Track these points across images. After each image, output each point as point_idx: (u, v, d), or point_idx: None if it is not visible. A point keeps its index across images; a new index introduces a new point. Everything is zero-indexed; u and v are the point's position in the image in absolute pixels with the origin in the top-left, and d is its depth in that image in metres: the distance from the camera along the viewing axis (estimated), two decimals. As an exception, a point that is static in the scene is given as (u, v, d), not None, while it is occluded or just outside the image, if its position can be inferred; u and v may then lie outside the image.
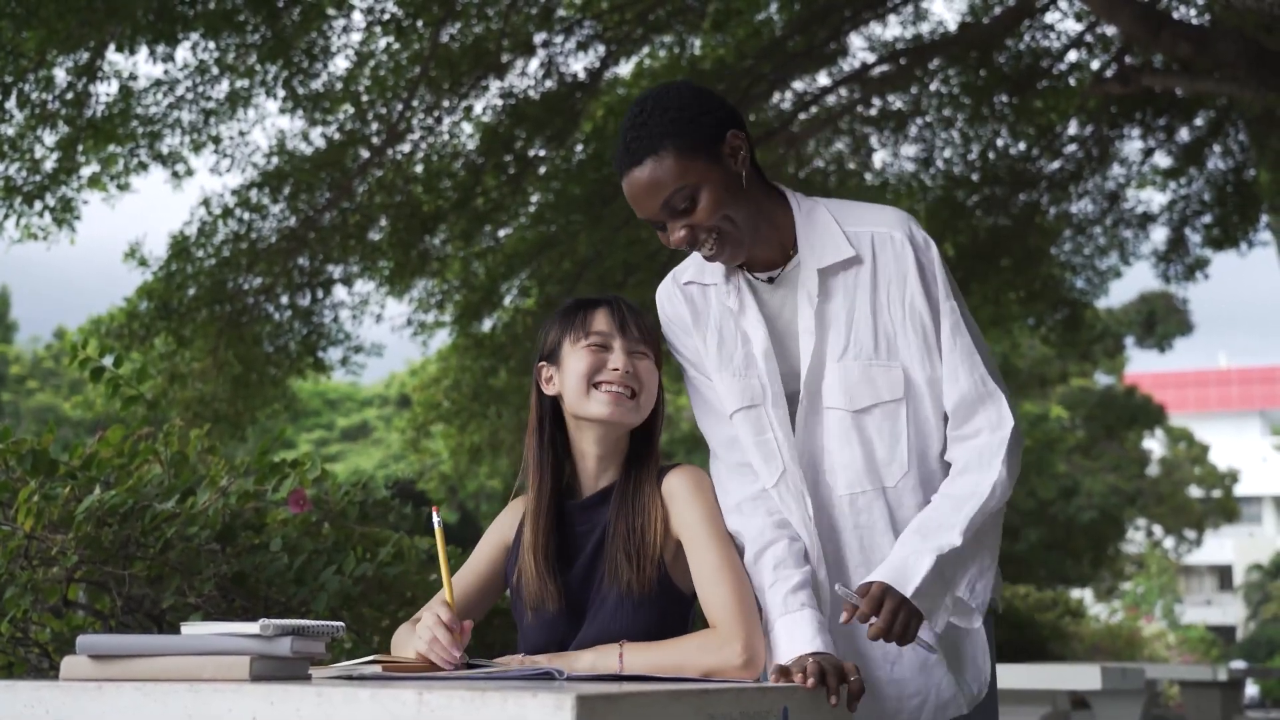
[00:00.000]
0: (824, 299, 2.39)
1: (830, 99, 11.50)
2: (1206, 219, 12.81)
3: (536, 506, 2.47)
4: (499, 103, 10.65)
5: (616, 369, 2.39)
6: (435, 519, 2.33)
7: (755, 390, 2.45)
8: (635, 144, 2.31)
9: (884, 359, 2.37)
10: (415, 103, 10.32)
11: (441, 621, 2.25)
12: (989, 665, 2.47)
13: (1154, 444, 30.18)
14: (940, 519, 2.26)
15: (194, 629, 1.92)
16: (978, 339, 2.37)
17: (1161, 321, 23.68)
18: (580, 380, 2.41)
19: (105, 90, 9.52)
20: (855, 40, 11.32)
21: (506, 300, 11.85)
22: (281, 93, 10.01)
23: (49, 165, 9.54)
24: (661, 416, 2.49)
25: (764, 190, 2.42)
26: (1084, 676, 6.07)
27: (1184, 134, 12.40)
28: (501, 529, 2.55)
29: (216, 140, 10.30)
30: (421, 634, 2.26)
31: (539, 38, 10.41)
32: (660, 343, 2.50)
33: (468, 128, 10.92)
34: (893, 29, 11.58)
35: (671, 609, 2.37)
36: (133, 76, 9.62)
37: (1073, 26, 11.60)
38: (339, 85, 10.24)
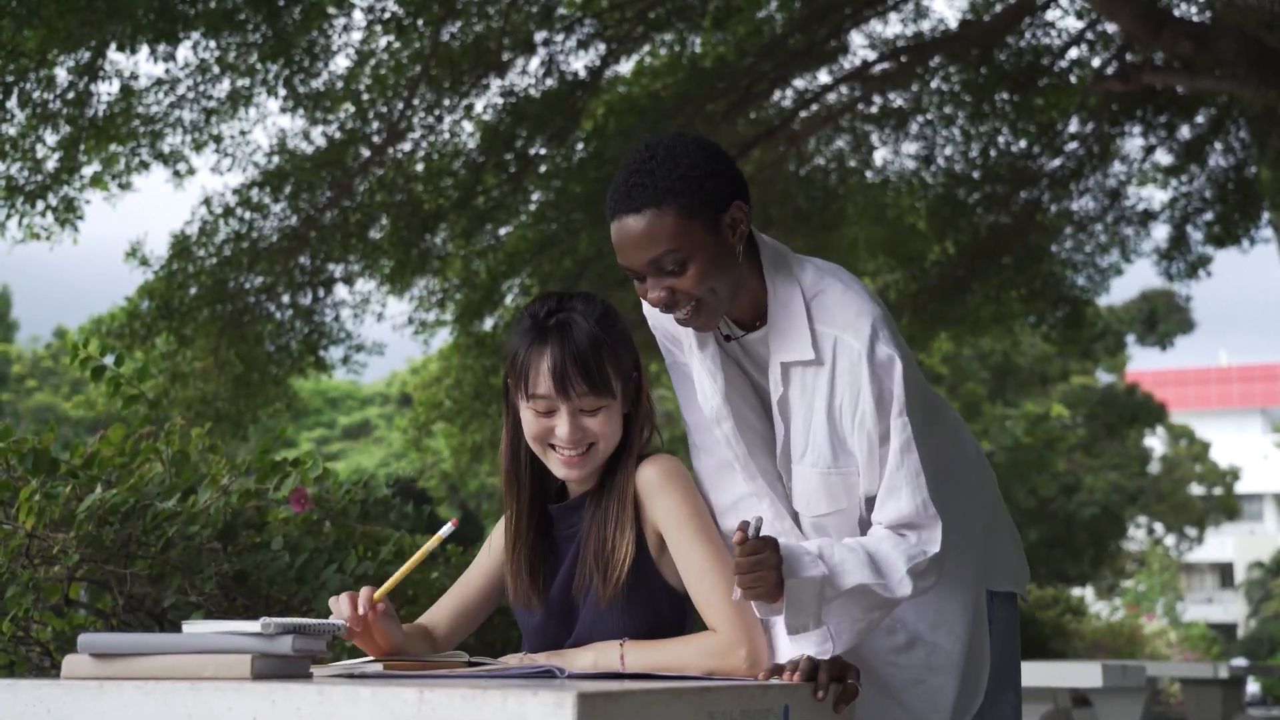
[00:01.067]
0: (785, 387, 2.34)
1: (831, 96, 11.50)
2: (1208, 216, 12.80)
3: (517, 516, 2.44)
4: (499, 101, 10.66)
5: (564, 439, 2.31)
6: (447, 529, 2.30)
7: (717, 407, 2.44)
8: (637, 191, 2.21)
9: (841, 466, 2.32)
10: (416, 101, 10.33)
11: (349, 597, 2.27)
12: (986, 675, 2.46)
13: (1155, 442, 30.18)
14: (843, 562, 2.17)
15: (195, 627, 1.92)
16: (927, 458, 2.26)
17: (1163, 320, 23.70)
18: (534, 441, 2.35)
19: (106, 89, 9.53)
20: (856, 38, 11.33)
21: (508, 299, 11.84)
22: (282, 92, 10.01)
23: (51, 165, 9.55)
24: (643, 420, 2.42)
25: (751, 260, 2.34)
26: (1085, 674, 6.07)
27: (1185, 131, 12.40)
28: (499, 537, 2.54)
29: (218, 139, 10.31)
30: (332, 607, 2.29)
31: (539, 36, 10.41)
32: (620, 368, 2.36)
33: (468, 126, 10.93)
34: (893, 26, 11.61)
35: (664, 606, 2.33)
36: (134, 76, 9.62)
37: (1073, 24, 11.61)
38: (340, 84, 10.24)
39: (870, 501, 2.31)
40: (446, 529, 2.30)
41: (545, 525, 2.45)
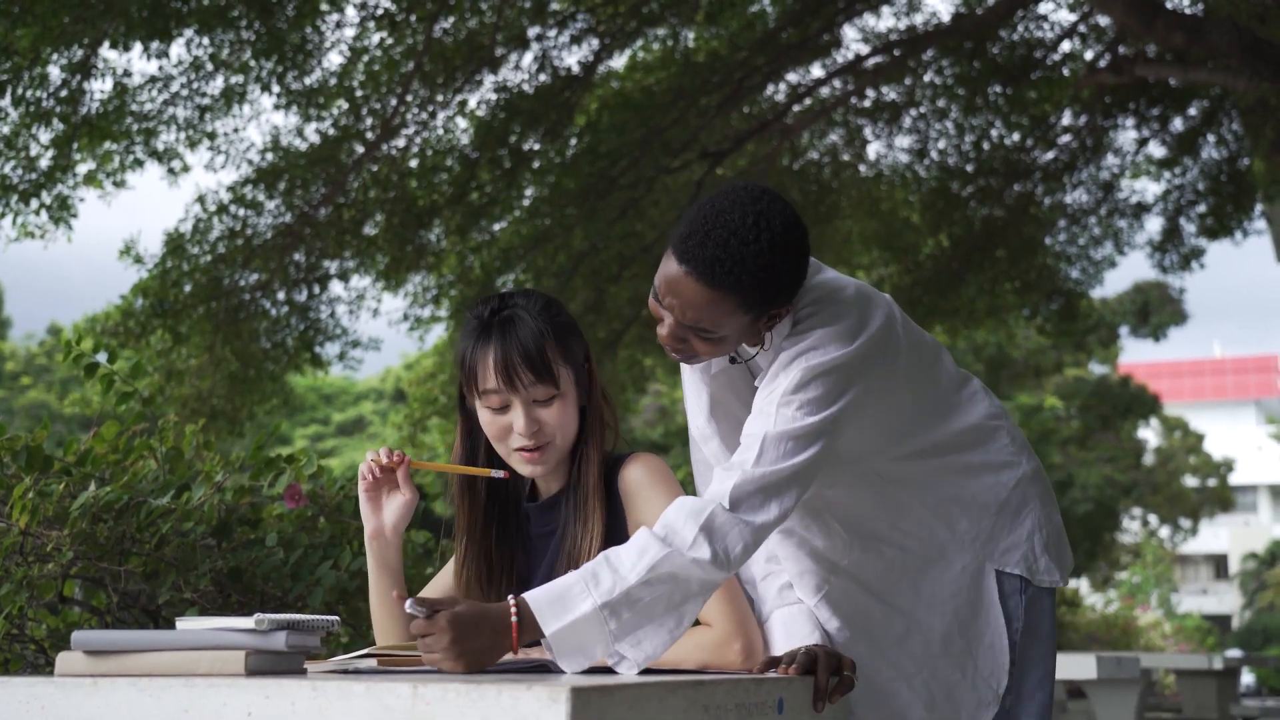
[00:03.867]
0: None
1: (824, 90, 11.50)
2: (1201, 208, 12.82)
3: (470, 524, 2.45)
4: (493, 97, 10.65)
5: (520, 432, 2.33)
6: (497, 473, 2.40)
7: (702, 425, 2.44)
8: (719, 266, 2.12)
9: None
10: (409, 97, 10.32)
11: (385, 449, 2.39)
12: (1007, 660, 2.39)
13: (1149, 433, 30.22)
14: (625, 558, 2.02)
15: (189, 624, 1.92)
16: (789, 438, 2.14)
17: (1156, 312, 23.70)
18: (495, 441, 2.38)
19: (100, 87, 9.51)
20: (849, 32, 11.33)
21: (502, 294, 11.81)
22: (276, 88, 10.00)
23: (44, 163, 9.53)
24: (598, 410, 2.43)
25: None
26: (1080, 666, 6.07)
27: (1178, 123, 12.41)
28: None
29: (211, 136, 10.29)
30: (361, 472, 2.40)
31: (533, 31, 10.40)
32: (570, 357, 2.37)
33: (462, 122, 10.93)
34: (886, 20, 11.59)
35: None
36: (127, 73, 9.61)
37: (1066, 17, 11.62)
38: (333, 81, 10.23)
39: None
40: (497, 473, 2.38)
41: (506, 530, 2.47)
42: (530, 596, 1.97)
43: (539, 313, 2.35)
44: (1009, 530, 2.43)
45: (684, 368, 2.48)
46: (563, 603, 1.96)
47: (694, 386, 2.44)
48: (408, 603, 1.94)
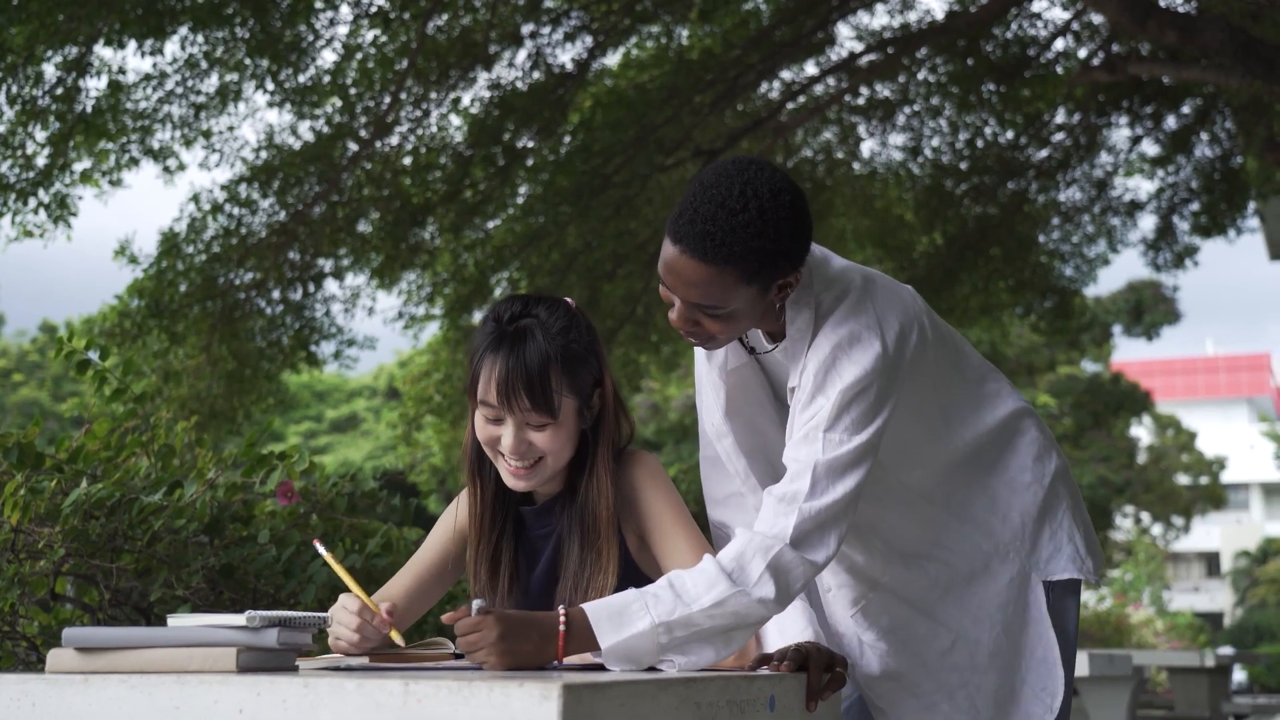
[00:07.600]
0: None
1: (818, 88, 11.50)
2: (1194, 206, 12.83)
3: (480, 513, 2.44)
4: (487, 94, 10.64)
5: (508, 449, 2.31)
6: (319, 549, 2.29)
7: (718, 424, 2.43)
8: (711, 241, 2.10)
9: None
10: (403, 95, 10.31)
11: (351, 610, 2.19)
12: (1062, 674, 2.37)
13: (1142, 431, 30.23)
14: (693, 588, 2.04)
15: (180, 621, 1.92)
16: (840, 467, 2.14)
17: (1149, 310, 23.73)
18: (485, 445, 2.36)
19: (95, 85, 9.49)
20: (843, 29, 11.37)
21: (496, 292, 11.82)
22: (270, 86, 9.99)
23: (41, 161, 9.51)
24: (608, 435, 2.39)
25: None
26: (1073, 663, 6.08)
27: (1171, 122, 12.43)
28: (453, 516, 2.52)
29: (206, 135, 10.28)
30: (340, 634, 2.21)
31: (526, 29, 10.40)
32: (576, 387, 2.32)
33: (455, 120, 10.92)
34: (880, 18, 11.64)
35: None
36: (122, 71, 9.59)
37: (1060, 15, 11.63)
38: (327, 78, 10.22)
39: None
40: (322, 550, 2.29)
41: (511, 523, 2.46)
42: (589, 609, 1.99)
43: (556, 334, 2.29)
44: (1050, 534, 2.42)
45: (699, 366, 2.48)
46: (621, 618, 1.99)
47: (711, 384, 2.42)
48: (475, 603, 1.97)
